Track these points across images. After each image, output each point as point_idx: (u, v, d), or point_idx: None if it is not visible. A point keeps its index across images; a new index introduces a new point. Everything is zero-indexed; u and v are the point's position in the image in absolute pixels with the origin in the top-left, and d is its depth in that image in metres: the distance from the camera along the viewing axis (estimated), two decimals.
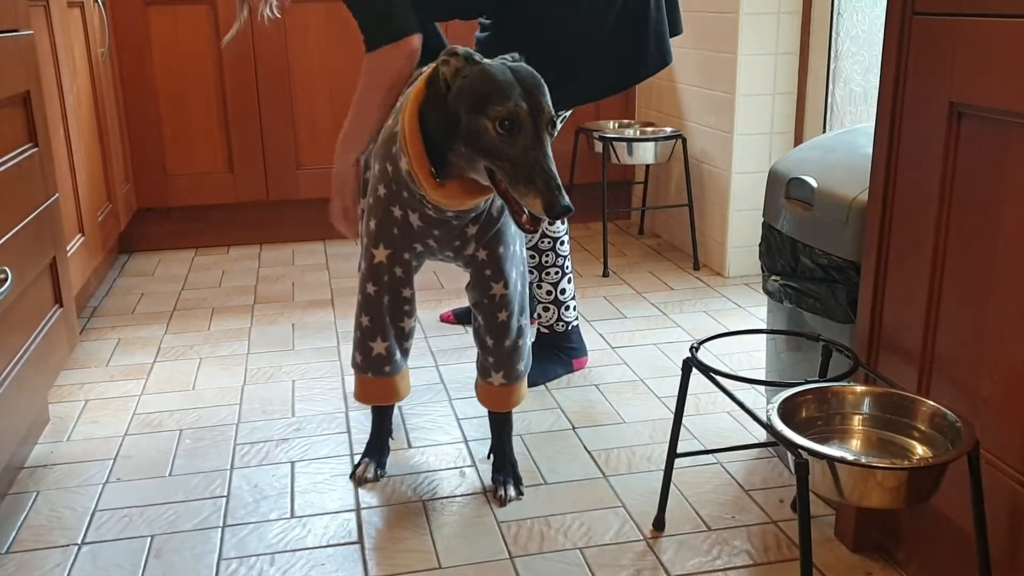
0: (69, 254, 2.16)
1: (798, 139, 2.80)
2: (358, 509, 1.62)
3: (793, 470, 1.13)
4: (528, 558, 1.47)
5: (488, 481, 1.69)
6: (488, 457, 1.73)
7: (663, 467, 1.55)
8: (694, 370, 1.41)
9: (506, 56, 1.43)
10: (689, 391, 1.47)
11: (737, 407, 1.34)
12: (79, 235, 2.36)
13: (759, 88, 2.76)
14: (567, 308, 2.14)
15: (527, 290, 1.65)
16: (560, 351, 2.16)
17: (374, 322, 1.60)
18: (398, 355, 1.64)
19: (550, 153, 1.31)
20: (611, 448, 1.81)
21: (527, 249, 2.09)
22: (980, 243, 1.15)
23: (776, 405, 1.20)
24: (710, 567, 1.44)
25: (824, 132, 2.70)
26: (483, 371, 1.65)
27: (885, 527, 1.44)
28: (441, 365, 2.24)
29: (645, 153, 2.99)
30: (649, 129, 3.17)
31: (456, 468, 1.75)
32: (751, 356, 2.25)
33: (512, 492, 1.64)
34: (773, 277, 1.63)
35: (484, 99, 1.31)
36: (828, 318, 1.50)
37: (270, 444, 1.85)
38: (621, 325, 2.48)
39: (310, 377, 2.18)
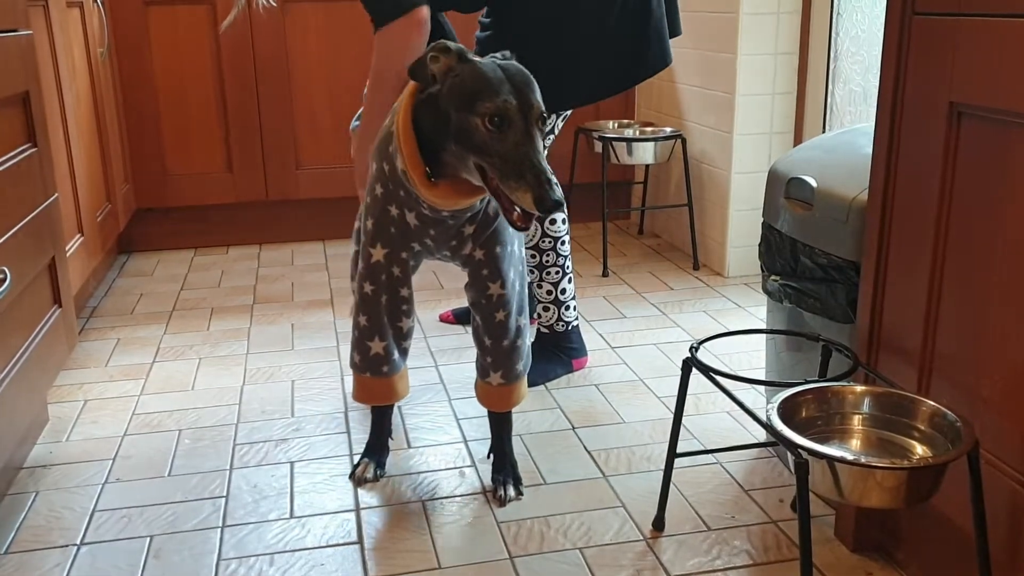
0: (68, 254, 2.16)
1: (798, 139, 2.80)
2: (357, 509, 1.62)
3: (793, 470, 1.13)
4: (528, 558, 1.47)
5: (488, 481, 1.69)
6: (488, 457, 1.73)
7: (663, 467, 1.55)
8: (694, 370, 1.41)
9: (496, 54, 1.44)
10: (689, 391, 1.47)
11: (737, 407, 1.34)
12: (78, 235, 2.36)
13: (759, 88, 2.76)
14: (567, 308, 2.14)
15: (526, 290, 1.64)
16: (560, 351, 2.16)
17: (372, 321, 1.60)
18: (396, 355, 1.64)
19: (540, 148, 1.32)
20: (611, 448, 1.81)
21: (528, 248, 2.09)
22: (980, 243, 1.15)
23: (776, 405, 1.20)
24: (710, 567, 1.44)
25: (824, 132, 2.70)
26: (482, 371, 1.65)
27: (885, 527, 1.44)
28: (441, 365, 2.24)
29: (645, 153, 2.99)
30: (649, 129, 3.17)
31: (456, 468, 1.75)
32: (751, 356, 2.25)
33: (512, 492, 1.64)
34: (773, 277, 1.63)
35: (474, 96, 1.32)
36: (828, 318, 1.50)
37: (269, 444, 1.85)
38: (621, 325, 2.48)
39: (309, 377, 2.17)
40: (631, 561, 1.45)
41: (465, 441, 1.85)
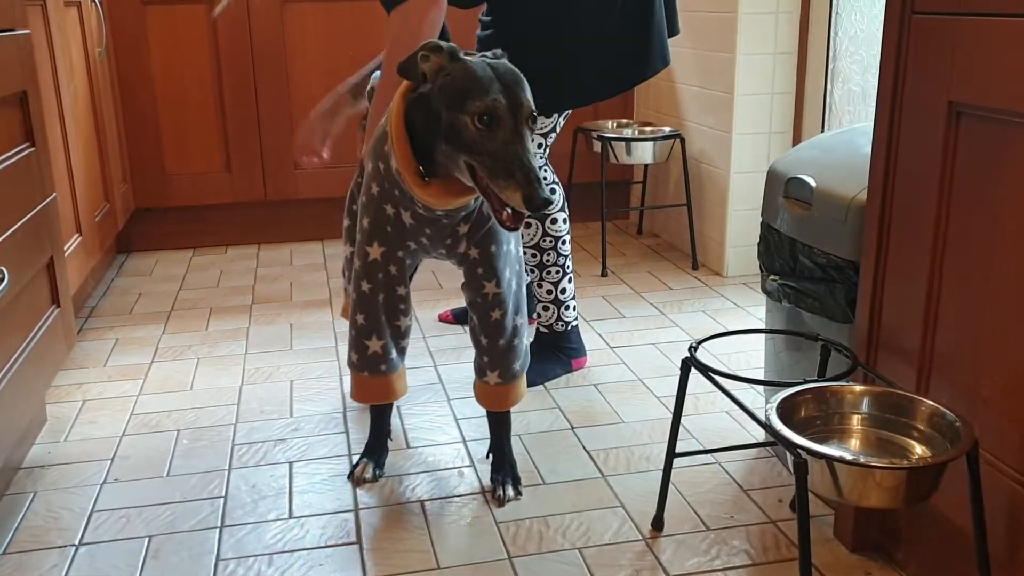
0: (66, 254, 2.15)
1: (797, 139, 2.80)
2: (356, 509, 1.62)
3: (792, 470, 1.13)
4: (527, 558, 1.46)
5: (487, 481, 1.69)
6: (487, 457, 1.73)
7: (662, 467, 1.55)
8: (693, 370, 1.41)
9: (487, 53, 1.44)
10: (688, 391, 1.47)
11: (736, 407, 1.34)
12: (76, 235, 2.36)
13: (758, 88, 2.76)
14: (567, 308, 2.14)
15: (523, 290, 1.64)
16: (559, 351, 2.16)
17: (369, 320, 1.60)
18: (394, 353, 1.64)
19: (530, 147, 1.32)
20: (610, 448, 1.81)
21: (529, 248, 2.09)
22: (979, 242, 1.15)
23: (775, 405, 1.20)
24: (709, 567, 1.44)
25: (823, 132, 2.70)
26: (479, 370, 1.65)
27: (884, 527, 1.44)
28: (440, 365, 2.23)
29: (644, 153, 2.99)
30: (648, 129, 3.17)
31: (455, 468, 1.75)
32: (750, 356, 2.25)
33: (511, 492, 1.63)
34: (772, 277, 1.63)
35: (463, 95, 1.32)
36: (827, 317, 1.50)
37: (268, 444, 1.85)
38: (620, 325, 2.48)
39: (308, 377, 2.17)
40: (630, 561, 1.45)
41: (464, 441, 1.85)
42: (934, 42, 1.19)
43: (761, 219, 1.69)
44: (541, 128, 2.03)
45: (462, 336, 2.41)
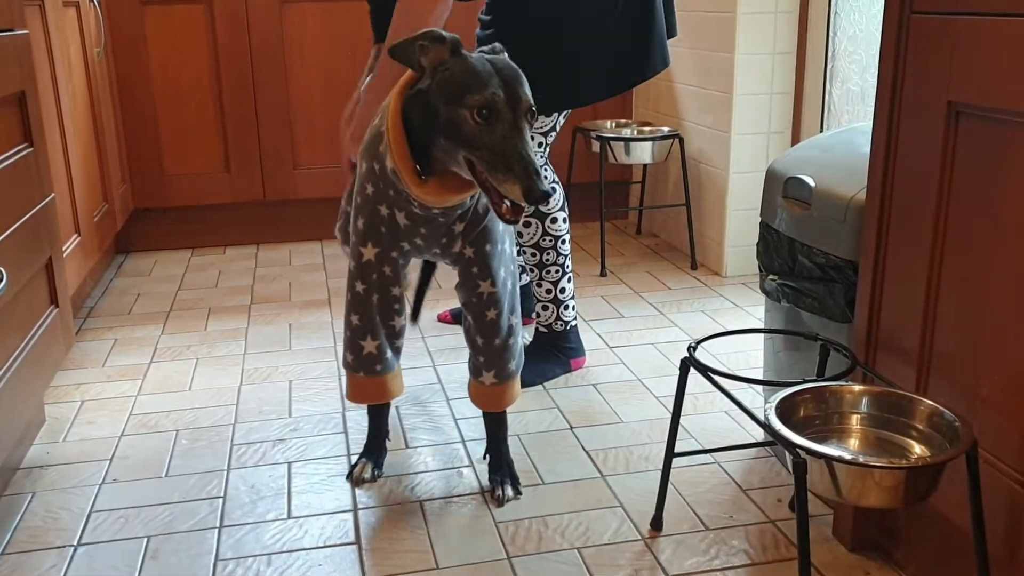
0: (65, 254, 2.15)
1: (795, 138, 2.80)
2: (355, 510, 1.61)
3: (791, 469, 1.12)
4: (526, 558, 1.46)
5: (486, 481, 1.69)
6: (484, 458, 1.73)
7: (661, 467, 1.55)
8: (692, 369, 1.41)
9: (485, 47, 1.45)
10: (687, 391, 1.47)
11: (735, 406, 1.34)
12: (75, 235, 2.35)
13: (756, 88, 2.76)
14: (566, 307, 2.14)
15: (517, 289, 1.64)
16: (558, 351, 2.16)
17: (364, 321, 1.60)
18: (389, 353, 1.64)
19: (528, 141, 1.32)
20: (609, 448, 1.81)
21: (528, 247, 2.09)
22: (978, 242, 1.15)
23: (774, 404, 1.20)
24: (708, 567, 1.44)
25: (822, 131, 2.70)
26: (474, 371, 1.65)
27: (883, 526, 1.44)
28: (438, 365, 2.23)
29: (643, 153, 2.99)
30: (647, 129, 3.17)
31: (453, 468, 1.75)
32: (749, 356, 2.25)
33: (509, 492, 1.63)
34: (771, 276, 1.63)
35: (462, 90, 1.32)
36: (826, 317, 1.50)
37: (267, 444, 1.85)
38: (619, 325, 2.48)
39: (307, 377, 2.17)
40: (629, 561, 1.45)
41: (463, 441, 1.85)
42: (933, 42, 1.19)
43: (760, 219, 1.69)
44: (541, 127, 2.03)
45: (461, 336, 2.40)
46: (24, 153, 1.69)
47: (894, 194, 1.29)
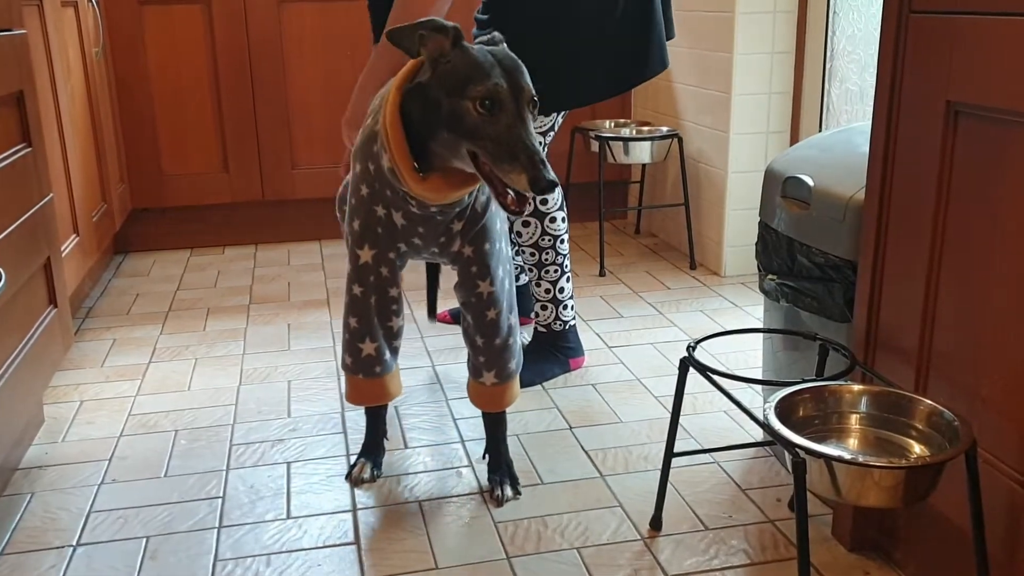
0: (64, 254, 2.15)
1: (794, 138, 2.80)
2: (354, 510, 1.61)
3: (790, 469, 1.12)
4: (525, 558, 1.46)
5: (485, 481, 1.69)
6: (483, 458, 1.73)
7: (660, 467, 1.55)
8: (691, 369, 1.41)
9: (483, 38, 1.45)
10: (686, 390, 1.47)
11: (734, 406, 1.34)
12: (74, 235, 2.35)
13: (755, 87, 2.76)
14: (565, 307, 2.14)
15: (514, 288, 1.64)
16: (557, 351, 2.16)
17: (362, 323, 1.60)
18: (388, 355, 1.64)
19: (532, 130, 1.32)
20: (608, 448, 1.81)
21: (527, 247, 2.09)
22: (977, 241, 1.15)
23: (773, 404, 1.20)
24: (707, 567, 1.44)
25: (820, 131, 2.70)
26: (474, 371, 1.65)
27: (882, 526, 1.44)
28: (437, 365, 2.23)
29: (641, 152, 2.99)
30: (645, 128, 3.17)
31: (453, 468, 1.75)
32: (748, 355, 2.25)
33: (509, 492, 1.63)
34: (770, 276, 1.63)
35: (465, 81, 1.32)
36: (825, 317, 1.50)
37: (266, 445, 1.85)
38: (618, 325, 2.48)
39: (306, 377, 2.17)
40: (628, 561, 1.45)
41: (462, 441, 1.85)
42: (932, 41, 1.19)
43: (759, 218, 1.69)
44: (539, 127, 2.03)
45: (459, 336, 2.40)
46: (22, 153, 1.69)
47: (893, 194, 1.29)
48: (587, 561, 1.45)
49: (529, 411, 1.97)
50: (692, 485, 1.67)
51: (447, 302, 2.64)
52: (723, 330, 1.56)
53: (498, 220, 1.60)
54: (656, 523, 1.54)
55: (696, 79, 2.98)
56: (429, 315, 2.24)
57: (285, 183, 3.27)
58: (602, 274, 2.91)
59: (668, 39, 2.07)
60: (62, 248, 2.16)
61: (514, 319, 1.63)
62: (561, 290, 2.13)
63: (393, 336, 1.64)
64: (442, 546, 1.50)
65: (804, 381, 1.28)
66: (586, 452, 1.80)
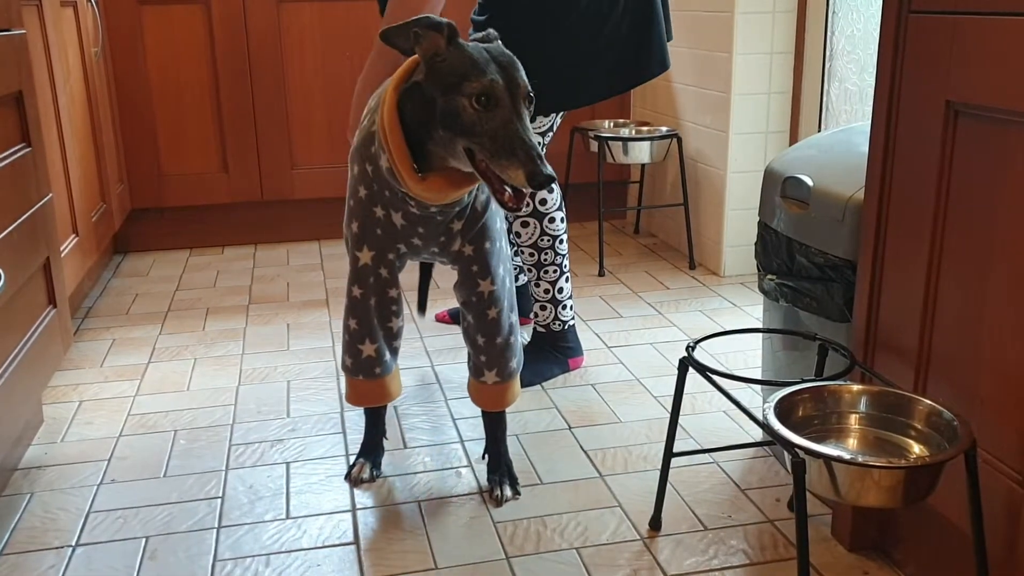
0: (63, 254, 2.15)
1: (794, 138, 2.80)
2: (354, 510, 1.61)
3: (790, 469, 1.12)
4: (524, 558, 1.46)
5: (484, 481, 1.69)
6: (482, 458, 1.73)
7: (659, 467, 1.55)
8: (690, 369, 1.41)
9: (478, 35, 1.45)
10: (685, 390, 1.47)
11: (733, 406, 1.34)
12: (73, 235, 2.35)
13: (755, 87, 2.76)
14: (564, 307, 2.14)
15: (514, 287, 1.64)
16: (556, 350, 2.16)
17: (362, 324, 1.60)
18: (387, 356, 1.64)
19: (529, 126, 1.32)
20: (607, 448, 1.81)
21: (526, 247, 2.09)
22: (977, 241, 1.15)
23: (772, 404, 1.20)
24: (707, 567, 1.44)
25: (820, 131, 2.70)
26: (476, 370, 1.65)
27: (882, 526, 1.44)
28: (437, 365, 2.23)
29: (641, 152, 2.99)
30: (645, 128, 3.17)
31: (452, 468, 1.75)
32: (747, 355, 2.25)
33: (508, 492, 1.63)
34: (769, 276, 1.63)
35: (460, 78, 1.32)
36: (824, 317, 1.50)
37: (265, 445, 1.85)
38: (617, 325, 2.48)
39: (305, 377, 2.17)
40: (628, 561, 1.45)
41: (462, 441, 1.85)
42: (931, 41, 1.19)
43: (758, 218, 1.69)
44: (538, 128, 2.03)
45: (459, 336, 2.40)
46: (22, 153, 1.69)
47: (892, 193, 1.29)
48: (586, 561, 1.45)
49: (528, 411, 1.97)
50: (691, 485, 1.67)
51: (446, 302, 2.64)
52: (722, 330, 1.56)
53: (498, 219, 1.60)
54: (655, 523, 1.54)
55: (695, 79, 2.98)
56: (419, 310, 2.21)
57: (284, 183, 3.27)
58: (601, 274, 2.91)
59: (667, 41, 2.07)
60: (61, 248, 2.16)
61: (515, 318, 1.63)
62: (560, 290, 2.13)
63: (393, 337, 1.64)
64: (441, 546, 1.50)
65: (803, 381, 1.28)
66: (585, 452, 1.80)
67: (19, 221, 1.63)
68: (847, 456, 1.11)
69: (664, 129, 3.09)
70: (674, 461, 1.69)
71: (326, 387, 2.11)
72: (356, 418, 1.94)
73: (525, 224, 2.07)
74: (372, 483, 1.70)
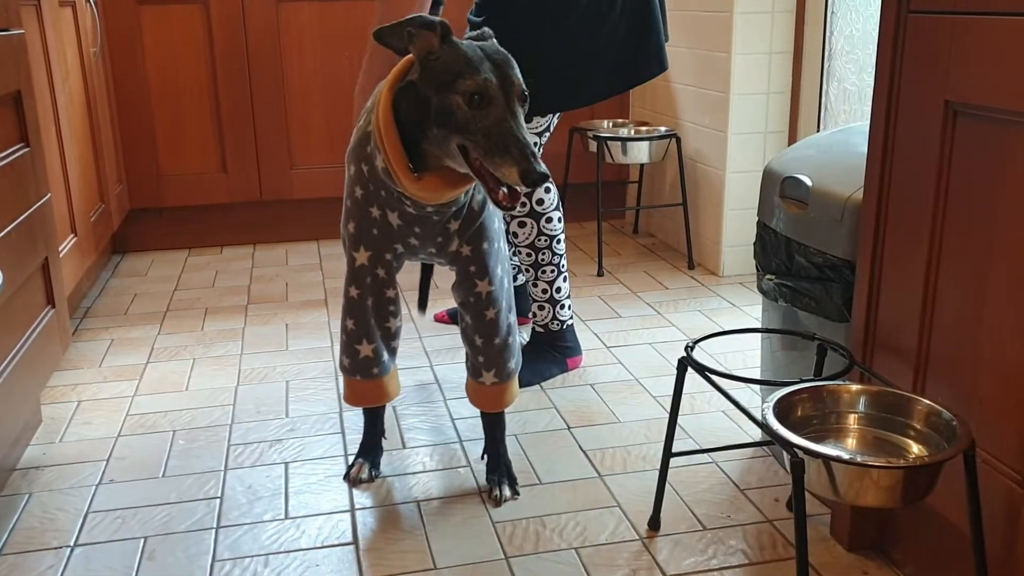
0: (61, 254, 2.15)
1: (792, 138, 2.80)
2: (352, 510, 1.61)
3: (789, 469, 1.12)
4: (523, 558, 1.46)
5: (483, 481, 1.69)
6: (481, 458, 1.73)
7: (658, 467, 1.55)
8: (689, 369, 1.41)
9: (472, 33, 1.45)
10: (684, 390, 1.47)
11: (732, 406, 1.34)
12: (71, 235, 2.35)
13: (753, 87, 2.76)
14: (562, 307, 2.14)
15: (512, 287, 1.64)
16: (555, 350, 2.16)
17: (359, 325, 1.59)
18: (385, 356, 1.63)
19: (523, 124, 1.31)
20: (606, 448, 1.81)
21: (524, 247, 2.09)
22: (976, 241, 1.15)
23: (771, 404, 1.20)
24: (706, 566, 1.44)
25: (819, 131, 2.70)
26: (474, 371, 1.64)
27: (881, 526, 1.44)
28: (435, 365, 2.23)
29: (640, 152, 2.99)
30: (643, 128, 3.17)
31: (451, 468, 1.75)
32: (746, 355, 2.25)
33: (507, 492, 1.63)
34: (768, 276, 1.63)
35: (453, 76, 1.32)
36: (823, 317, 1.50)
37: (264, 445, 1.85)
38: (616, 324, 2.47)
39: (304, 377, 2.17)
40: (627, 561, 1.45)
41: (460, 441, 1.85)
42: (930, 41, 1.19)
43: (757, 218, 1.69)
44: (535, 128, 2.03)
45: (458, 336, 2.40)
46: (20, 153, 1.69)
47: (891, 194, 1.29)
48: (585, 561, 1.45)
49: (527, 411, 1.97)
50: (690, 485, 1.67)
51: (445, 302, 2.64)
52: (721, 330, 1.56)
53: (495, 219, 1.60)
54: (654, 523, 1.54)
55: (694, 79, 2.98)
56: (419, 308, 2.21)
57: (283, 183, 3.27)
58: (600, 274, 2.91)
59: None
60: (60, 248, 2.15)
61: (513, 318, 1.62)
62: (558, 290, 2.12)
63: (391, 337, 1.64)
64: (440, 546, 1.50)
65: (802, 381, 1.28)
66: (584, 452, 1.80)
67: (17, 221, 1.63)
68: (846, 456, 1.11)
69: (663, 129, 3.09)
70: (673, 461, 1.69)
71: (325, 387, 2.11)
72: (355, 418, 1.94)
73: (522, 224, 2.07)
74: (371, 483, 1.70)
